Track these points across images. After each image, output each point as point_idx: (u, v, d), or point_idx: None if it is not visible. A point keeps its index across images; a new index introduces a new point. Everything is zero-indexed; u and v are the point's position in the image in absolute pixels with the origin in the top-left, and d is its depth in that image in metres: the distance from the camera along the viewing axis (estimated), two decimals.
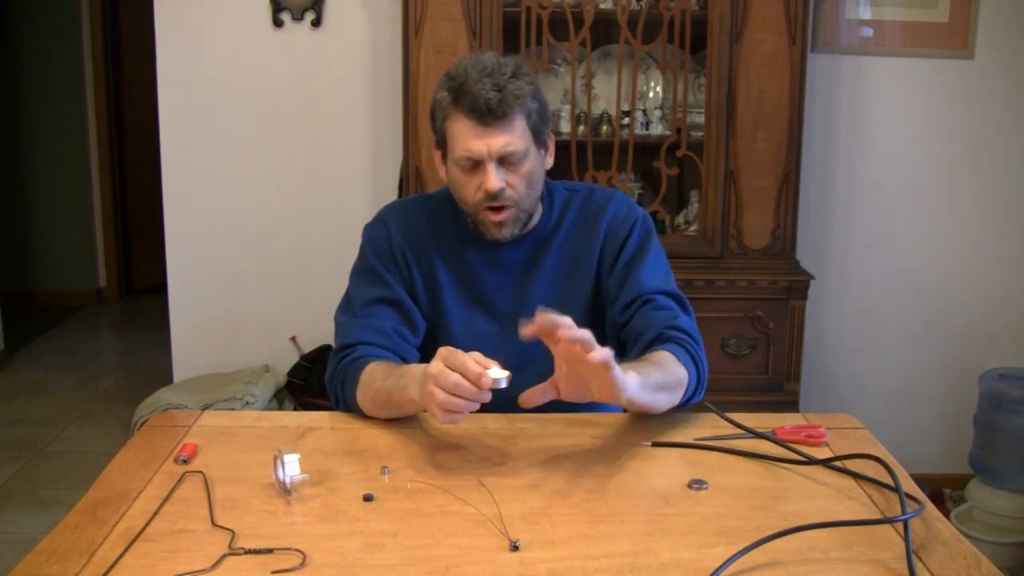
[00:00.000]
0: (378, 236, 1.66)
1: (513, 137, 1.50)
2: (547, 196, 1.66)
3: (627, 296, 1.59)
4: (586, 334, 1.22)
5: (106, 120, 5.41)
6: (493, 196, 1.52)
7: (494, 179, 1.50)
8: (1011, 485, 2.84)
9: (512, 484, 1.25)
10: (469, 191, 1.55)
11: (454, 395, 1.24)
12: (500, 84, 1.47)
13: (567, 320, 1.23)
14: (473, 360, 1.24)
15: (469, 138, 1.50)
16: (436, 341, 1.63)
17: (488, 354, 1.50)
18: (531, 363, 1.61)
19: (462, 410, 1.25)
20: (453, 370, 1.24)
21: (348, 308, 1.63)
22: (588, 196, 1.68)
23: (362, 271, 1.65)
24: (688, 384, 1.47)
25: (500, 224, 1.55)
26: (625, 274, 1.61)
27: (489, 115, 1.47)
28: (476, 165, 1.52)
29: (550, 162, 1.62)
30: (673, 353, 1.47)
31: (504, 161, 1.51)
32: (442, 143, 1.58)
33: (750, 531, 1.12)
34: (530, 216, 1.61)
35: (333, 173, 3.18)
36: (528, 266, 1.64)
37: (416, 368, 1.38)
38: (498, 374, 1.24)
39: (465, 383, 1.23)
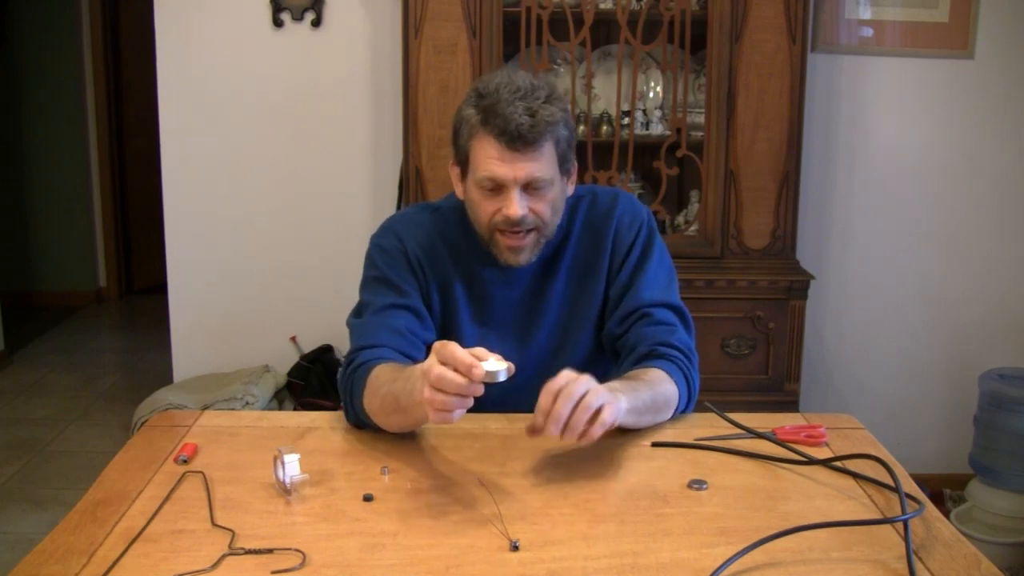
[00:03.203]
0: (391, 246, 1.59)
1: (541, 164, 1.45)
2: None
3: (625, 308, 1.58)
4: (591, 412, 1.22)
5: (106, 120, 5.41)
6: (514, 223, 1.47)
7: (517, 206, 1.45)
8: (1011, 485, 2.83)
9: (512, 484, 1.25)
10: (487, 213, 1.49)
11: (439, 390, 1.16)
12: (533, 109, 1.42)
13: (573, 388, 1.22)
14: (467, 351, 1.16)
15: (495, 161, 1.44)
16: None
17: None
18: (544, 377, 1.61)
19: (450, 407, 1.16)
20: (443, 363, 1.16)
21: (360, 313, 1.57)
22: (592, 202, 1.64)
23: (374, 280, 1.58)
24: (679, 402, 1.48)
25: (517, 250, 1.51)
26: (626, 284, 1.59)
27: (519, 140, 1.42)
28: (499, 188, 1.47)
29: (571, 189, 1.58)
30: (665, 371, 1.48)
31: (528, 187, 1.46)
32: (463, 161, 1.51)
33: (750, 531, 1.12)
34: (547, 241, 1.56)
35: (333, 173, 3.18)
36: (540, 282, 1.61)
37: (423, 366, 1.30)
38: (495, 366, 1.14)
39: (449, 375, 1.14)
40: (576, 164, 1.58)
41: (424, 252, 1.59)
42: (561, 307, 1.62)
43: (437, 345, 1.19)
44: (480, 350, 1.18)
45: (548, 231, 1.52)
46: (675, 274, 1.65)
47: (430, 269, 1.59)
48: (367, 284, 1.59)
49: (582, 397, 1.22)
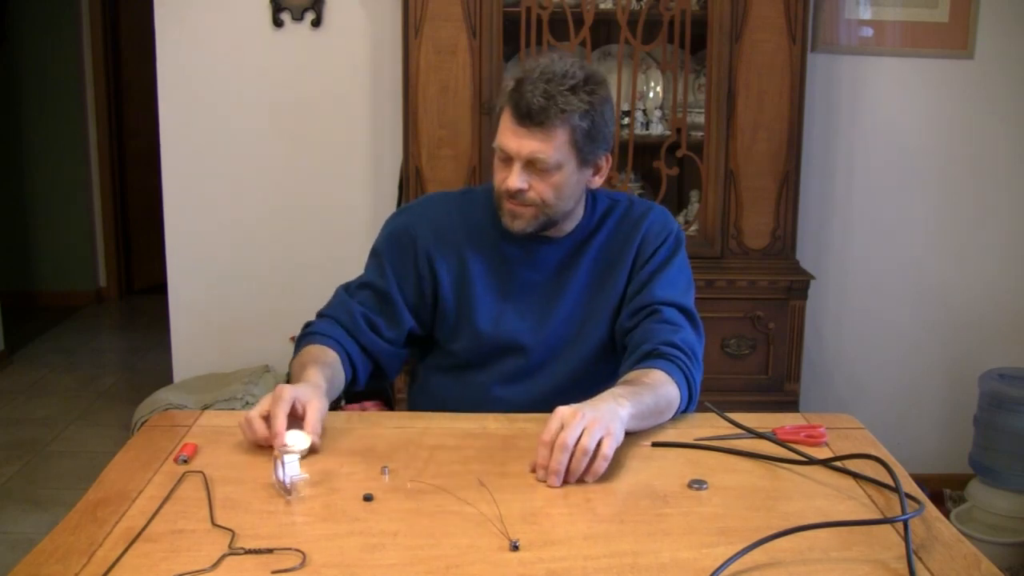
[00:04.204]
0: (400, 227, 1.68)
1: (546, 146, 1.50)
2: (590, 200, 1.67)
3: (638, 303, 1.61)
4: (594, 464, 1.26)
5: (106, 120, 5.41)
6: (512, 193, 1.54)
7: (516, 179, 1.52)
8: (1011, 485, 2.83)
9: (512, 484, 1.25)
10: (499, 179, 1.57)
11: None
12: (551, 93, 1.48)
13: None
14: (281, 419, 1.31)
15: (507, 133, 1.52)
16: (462, 335, 1.65)
17: (515, 352, 1.61)
18: (557, 362, 1.65)
19: (251, 441, 1.35)
20: (264, 414, 1.33)
21: (350, 282, 1.69)
22: (628, 207, 1.69)
23: (372, 253, 1.69)
24: (679, 403, 1.50)
25: (514, 215, 1.57)
26: (644, 281, 1.62)
27: (527, 118, 1.49)
28: (509, 159, 1.54)
29: (598, 182, 1.62)
30: (666, 371, 1.49)
31: (532, 165, 1.52)
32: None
33: (750, 531, 1.12)
34: (554, 223, 1.61)
35: (333, 173, 3.18)
36: (563, 267, 1.65)
37: (309, 378, 1.46)
38: (294, 441, 1.25)
39: (254, 426, 1.33)
40: (609, 160, 1.61)
41: (434, 231, 1.66)
42: (580, 297, 1.65)
43: (271, 397, 1.35)
44: (311, 410, 1.35)
45: (551, 211, 1.57)
46: (693, 286, 1.69)
47: (439, 248, 1.65)
48: (371, 252, 1.70)
49: (578, 440, 1.24)
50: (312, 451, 1.33)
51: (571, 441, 1.24)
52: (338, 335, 1.61)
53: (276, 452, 1.23)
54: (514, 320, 1.64)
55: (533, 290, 1.65)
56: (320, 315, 1.66)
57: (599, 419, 1.27)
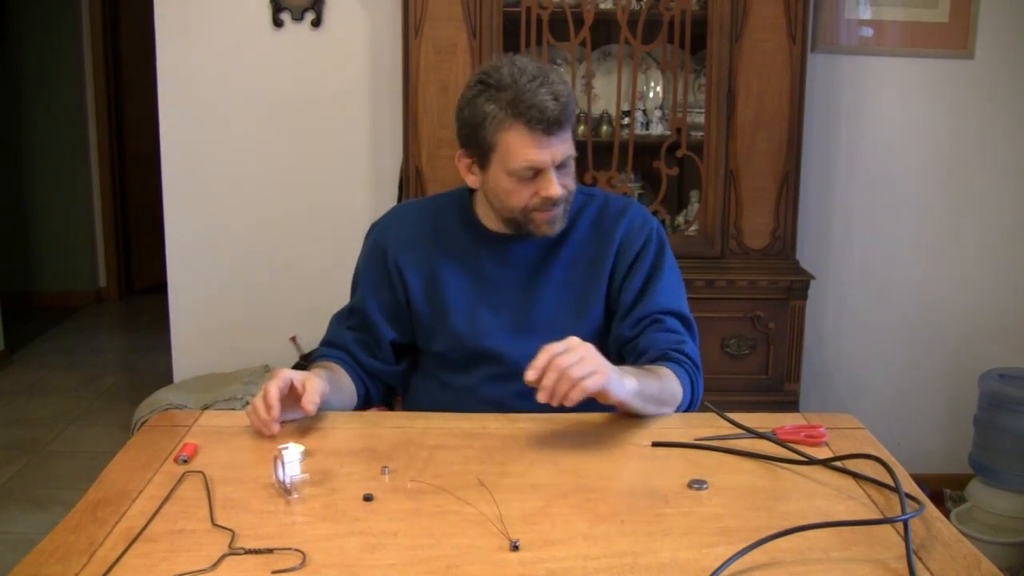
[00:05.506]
0: (372, 243, 1.71)
1: (569, 143, 1.53)
2: None
3: (639, 312, 1.61)
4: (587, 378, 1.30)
5: (106, 120, 5.41)
6: (555, 202, 1.53)
7: (556, 186, 1.52)
8: (1011, 485, 2.83)
9: (512, 484, 1.25)
10: (522, 198, 1.54)
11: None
12: (556, 92, 1.48)
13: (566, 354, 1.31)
14: (273, 391, 1.37)
15: (531, 148, 1.49)
16: (440, 337, 1.65)
17: (493, 350, 1.60)
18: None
19: (256, 426, 1.39)
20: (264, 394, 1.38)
21: (341, 310, 1.73)
22: (604, 203, 1.69)
23: (355, 273, 1.73)
24: (681, 403, 1.51)
25: (552, 220, 1.57)
26: (641, 290, 1.62)
27: (555, 125, 1.48)
28: (535, 172, 1.52)
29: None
30: (674, 372, 1.51)
31: (559, 165, 1.53)
32: (483, 153, 1.54)
33: (750, 531, 1.12)
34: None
35: (333, 173, 3.18)
36: (538, 264, 1.65)
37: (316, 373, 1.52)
38: (291, 455, 1.23)
39: (256, 405, 1.38)
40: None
41: (402, 239, 1.67)
42: (559, 295, 1.64)
43: (273, 384, 1.39)
44: (311, 388, 1.40)
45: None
46: (683, 283, 1.70)
47: (407, 254, 1.66)
48: (354, 276, 1.74)
49: (571, 367, 1.29)
50: (308, 441, 1.34)
51: (565, 364, 1.29)
52: (339, 356, 1.66)
53: (276, 452, 1.23)
54: (488, 317, 1.63)
55: (506, 287, 1.64)
56: (323, 342, 1.71)
57: (598, 359, 1.32)
